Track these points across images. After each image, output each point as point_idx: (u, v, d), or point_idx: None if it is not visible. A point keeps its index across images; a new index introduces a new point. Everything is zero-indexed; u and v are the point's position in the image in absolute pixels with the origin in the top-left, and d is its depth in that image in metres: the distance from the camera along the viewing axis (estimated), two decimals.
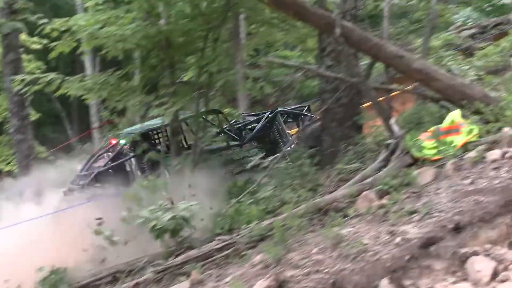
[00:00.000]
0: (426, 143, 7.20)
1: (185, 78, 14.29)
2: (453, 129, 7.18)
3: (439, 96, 8.44)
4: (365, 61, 10.69)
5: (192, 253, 6.99)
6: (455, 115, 7.42)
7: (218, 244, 6.93)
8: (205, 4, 11.32)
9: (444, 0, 17.96)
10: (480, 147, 6.53)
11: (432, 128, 7.58)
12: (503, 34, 17.57)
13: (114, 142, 13.34)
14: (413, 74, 8.44)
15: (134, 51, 14.33)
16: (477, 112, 7.47)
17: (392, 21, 14.45)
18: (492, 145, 6.52)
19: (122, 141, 12.99)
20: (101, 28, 11.35)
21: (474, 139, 6.91)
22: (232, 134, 13.75)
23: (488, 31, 19.38)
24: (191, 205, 7.45)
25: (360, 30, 8.81)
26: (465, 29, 20.23)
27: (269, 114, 14.52)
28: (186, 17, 11.52)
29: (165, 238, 7.43)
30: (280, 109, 15.25)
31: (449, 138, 7.05)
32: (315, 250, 5.67)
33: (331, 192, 7.71)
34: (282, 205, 7.79)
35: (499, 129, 6.87)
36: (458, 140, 6.97)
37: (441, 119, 7.72)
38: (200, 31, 11.84)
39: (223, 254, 6.74)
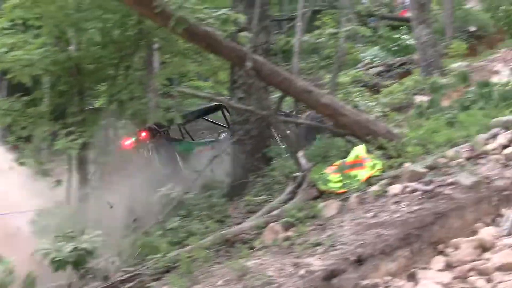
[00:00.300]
0: (332, 177, 7.36)
1: (96, 105, 14.01)
2: (358, 164, 7.38)
3: (345, 131, 8.67)
4: (275, 95, 10.86)
5: (95, 285, 6.80)
6: (359, 150, 7.63)
7: (122, 275, 6.77)
8: (117, 32, 11.21)
9: (352, 39, 18.53)
10: (382, 182, 6.74)
11: (338, 162, 7.75)
12: (408, 73, 18.31)
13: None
14: (321, 108, 8.64)
15: (42, 77, 13.92)
16: (380, 147, 7.72)
17: (303, 56, 14.76)
18: (394, 180, 6.73)
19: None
20: (8, 52, 10.97)
21: (377, 173, 7.12)
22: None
23: (394, 69, 20.16)
24: (95, 236, 7.25)
25: (271, 64, 8.97)
26: (372, 67, 20.95)
27: None
28: (97, 44, 11.35)
29: (66, 270, 7.18)
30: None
31: (353, 172, 7.23)
32: (220, 282, 5.66)
33: (238, 224, 7.73)
34: (189, 236, 7.73)
35: (401, 164, 7.12)
36: (362, 174, 7.16)
37: (347, 153, 7.91)
38: (112, 59, 11.68)
39: (127, 286, 6.58)
